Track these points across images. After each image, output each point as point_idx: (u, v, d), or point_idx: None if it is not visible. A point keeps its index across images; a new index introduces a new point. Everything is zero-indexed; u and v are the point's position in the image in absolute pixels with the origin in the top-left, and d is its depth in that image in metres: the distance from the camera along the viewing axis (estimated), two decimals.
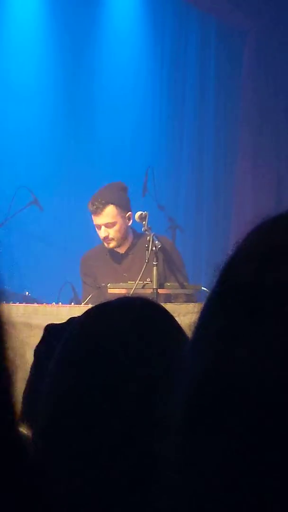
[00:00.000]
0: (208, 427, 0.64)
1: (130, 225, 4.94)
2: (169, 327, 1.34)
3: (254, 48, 7.11)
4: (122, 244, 4.94)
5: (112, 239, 4.87)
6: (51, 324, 1.81)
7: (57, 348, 1.33)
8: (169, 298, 4.67)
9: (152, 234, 4.58)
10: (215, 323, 0.68)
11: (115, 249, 4.96)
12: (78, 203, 6.35)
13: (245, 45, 7.20)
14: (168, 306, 4.13)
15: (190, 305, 4.19)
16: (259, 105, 7.09)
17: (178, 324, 1.36)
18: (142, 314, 1.34)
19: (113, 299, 1.39)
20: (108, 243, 4.89)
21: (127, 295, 4.44)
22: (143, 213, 4.71)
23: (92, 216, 4.89)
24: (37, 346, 1.78)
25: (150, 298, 1.46)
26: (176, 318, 1.38)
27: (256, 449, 0.61)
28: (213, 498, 0.62)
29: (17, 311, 4.37)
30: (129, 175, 6.18)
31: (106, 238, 4.87)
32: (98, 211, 4.82)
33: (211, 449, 0.63)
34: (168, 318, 1.36)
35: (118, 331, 1.30)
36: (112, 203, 4.83)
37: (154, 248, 4.50)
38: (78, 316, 1.38)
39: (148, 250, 4.51)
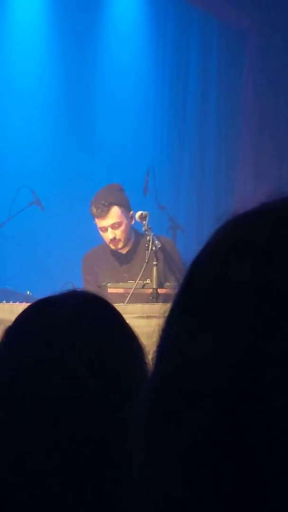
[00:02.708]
0: (168, 430, 0.63)
1: (132, 225, 4.94)
2: (111, 322, 1.32)
3: (255, 47, 7.11)
4: (125, 245, 4.93)
5: (120, 240, 4.83)
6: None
7: None
8: (168, 298, 4.68)
9: (152, 234, 4.58)
10: (177, 321, 0.67)
11: (117, 250, 4.96)
12: (79, 203, 6.35)
13: (247, 45, 7.21)
14: (168, 306, 4.14)
15: None
16: (260, 105, 7.10)
17: (125, 321, 1.34)
18: (84, 310, 1.32)
19: (57, 293, 1.38)
20: (115, 245, 4.84)
21: (126, 294, 4.47)
22: (143, 213, 4.71)
23: (96, 220, 4.83)
24: None
25: (100, 294, 1.42)
26: None
27: (215, 448, 0.61)
28: (173, 501, 0.62)
29: (18, 311, 4.39)
30: (130, 175, 6.20)
31: (113, 239, 4.81)
32: (103, 213, 4.76)
33: (172, 451, 0.62)
34: (113, 314, 1.34)
35: (57, 327, 1.29)
36: (115, 204, 4.79)
37: (154, 248, 4.51)
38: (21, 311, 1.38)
39: (148, 250, 4.51)
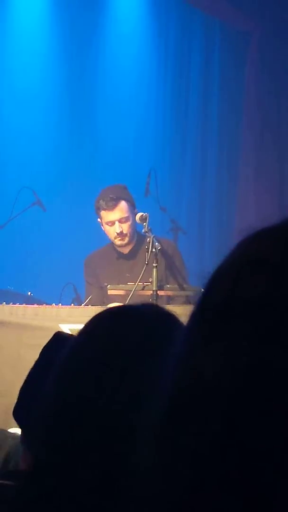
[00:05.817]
0: (180, 436, 0.65)
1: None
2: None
3: (258, 49, 7.11)
4: (130, 242, 4.94)
5: (126, 234, 4.86)
6: (60, 332, 1.76)
7: (64, 350, 1.30)
8: (168, 300, 4.68)
9: (152, 236, 4.58)
10: (192, 331, 0.70)
11: (119, 249, 4.96)
12: (81, 204, 6.36)
13: (249, 46, 7.20)
14: (167, 308, 4.14)
15: (188, 306, 4.19)
16: (262, 106, 7.10)
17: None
18: (164, 323, 1.31)
19: (137, 304, 1.36)
20: (122, 239, 4.86)
21: (126, 296, 4.47)
22: (144, 214, 4.71)
23: (103, 213, 4.85)
24: (46, 347, 1.72)
25: (162, 306, 1.42)
26: None
27: (226, 455, 0.62)
28: (187, 503, 0.64)
29: (17, 312, 4.39)
30: (132, 176, 6.20)
31: (120, 233, 4.84)
32: (111, 206, 4.79)
33: (186, 455, 0.64)
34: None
35: (137, 336, 1.27)
36: (123, 199, 4.84)
37: (154, 250, 4.51)
38: (91, 319, 1.34)
39: (148, 251, 4.51)
